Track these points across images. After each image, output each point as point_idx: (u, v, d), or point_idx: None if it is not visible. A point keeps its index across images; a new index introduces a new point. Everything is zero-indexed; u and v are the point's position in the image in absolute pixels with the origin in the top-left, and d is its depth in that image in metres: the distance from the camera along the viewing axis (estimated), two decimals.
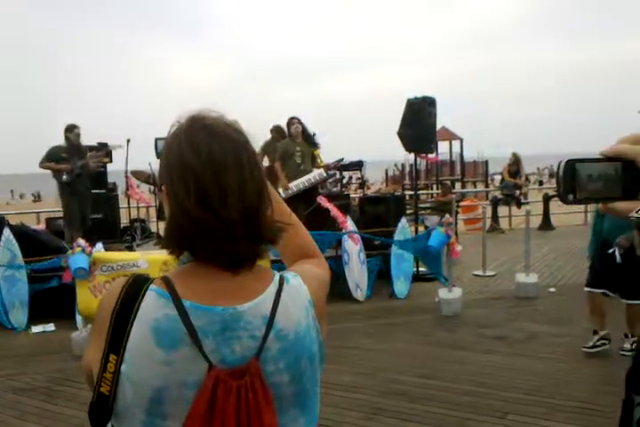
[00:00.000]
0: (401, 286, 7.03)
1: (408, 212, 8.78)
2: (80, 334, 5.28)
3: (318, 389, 1.12)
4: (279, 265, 1.27)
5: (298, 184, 7.77)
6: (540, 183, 28.68)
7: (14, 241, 6.30)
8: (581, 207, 12.17)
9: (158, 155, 7.69)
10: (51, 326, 6.13)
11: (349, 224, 6.85)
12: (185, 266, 1.06)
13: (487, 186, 21.07)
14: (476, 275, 8.02)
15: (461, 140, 23.36)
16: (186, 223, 1.00)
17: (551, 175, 41.38)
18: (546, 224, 12.26)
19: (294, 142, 7.95)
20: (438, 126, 9.10)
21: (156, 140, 7.95)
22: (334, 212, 6.79)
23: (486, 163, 23.43)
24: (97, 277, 5.10)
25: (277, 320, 1.03)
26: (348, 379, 4.46)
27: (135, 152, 8.49)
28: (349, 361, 4.86)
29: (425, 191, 17.13)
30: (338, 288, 6.42)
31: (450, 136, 22.86)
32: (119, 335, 0.99)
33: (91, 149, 8.18)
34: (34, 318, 6.20)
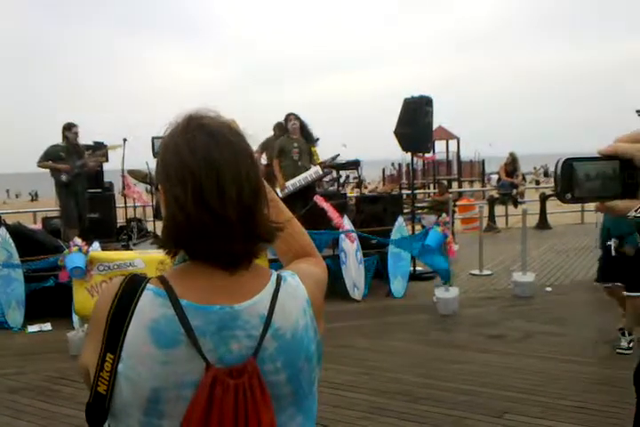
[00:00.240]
0: (398, 285, 7.03)
1: (405, 211, 8.79)
2: (77, 333, 5.26)
3: (316, 388, 1.12)
4: (277, 264, 1.27)
5: (294, 183, 7.74)
6: (537, 183, 28.74)
7: (10, 240, 6.27)
8: (578, 206, 12.19)
9: (155, 154, 7.67)
10: (47, 326, 6.11)
11: (346, 223, 6.84)
12: (182, 265, 1.06)
13: (484, 185, 21.12)
14: (473, 274, 8.02)
15: (458, 140, 23.41)
16: (182, 222, 1.00)
17: (546, 174, 41.45)
18: (542, 223, 12.27)
19: (292, 139, 7.90)
20: (435, 126, 9.10)
21: (153, 139, 7.93)
22: (330, 213, 6.77)
23: (483, 162, 23.48)
24: (94, 276, 5.08)
25: (275, 319, 1.03)
26: (345, 378, 4.46)
27: (132, 151, 8.47)
28: (347, 360, 4.85)
29: (422, 190, 17.17)
30: (335, 287, 6.42)
31: (447, 135, 22.91)
32: (116, 334, 0.98)
33: (87, 148, 8.16)
34: (30, 318, 6.18)
